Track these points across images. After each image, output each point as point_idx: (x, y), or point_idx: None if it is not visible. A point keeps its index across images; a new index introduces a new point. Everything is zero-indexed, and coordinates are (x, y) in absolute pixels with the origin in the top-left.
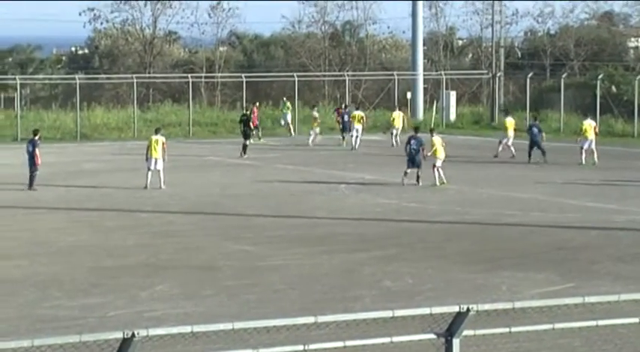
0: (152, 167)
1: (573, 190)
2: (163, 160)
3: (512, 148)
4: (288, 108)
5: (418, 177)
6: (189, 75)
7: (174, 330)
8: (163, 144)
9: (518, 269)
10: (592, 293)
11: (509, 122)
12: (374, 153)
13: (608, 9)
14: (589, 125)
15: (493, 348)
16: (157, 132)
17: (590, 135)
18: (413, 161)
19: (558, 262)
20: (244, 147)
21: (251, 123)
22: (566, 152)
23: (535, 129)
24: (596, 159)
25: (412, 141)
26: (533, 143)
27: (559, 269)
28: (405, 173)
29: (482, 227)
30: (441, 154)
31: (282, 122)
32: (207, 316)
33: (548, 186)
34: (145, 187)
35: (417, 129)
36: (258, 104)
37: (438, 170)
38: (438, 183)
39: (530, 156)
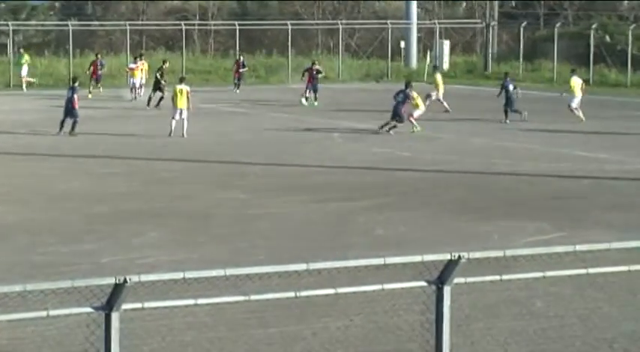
0: (177, 117)
1: (564, 140)
2: (188, 109)
3: (444, 103)
4: (26, 60)
5: (386, 124)
6: (183, 22)
7: (167, 276)
8: (188, 93)
9: (510, 218)
10: (583, 242)
11: (439, 78)
12: (366, 102)
13: None
14: (576, 82)
15: (484, 296)
16: (181, 81)
17: (577, 92)
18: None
19: (550, 211)
20: (151, 98)
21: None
22: (558, 102)
23: (510, 86)
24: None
25: (399, 94)
26: (509, 101)
27: (551, 219)
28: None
29: (475, 176)
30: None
31: (22, 73)
32: (200, 263)
33: (540, 136)
34: (170, 135)
35: (408, 83)
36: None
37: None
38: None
39: (506, 114)
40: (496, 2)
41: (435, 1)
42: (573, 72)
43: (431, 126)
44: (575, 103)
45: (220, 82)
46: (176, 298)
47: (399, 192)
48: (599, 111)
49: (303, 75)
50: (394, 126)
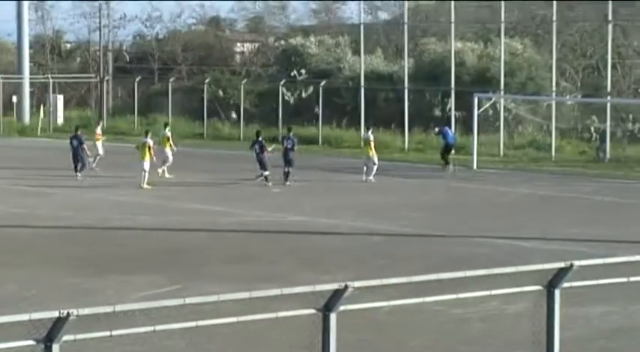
0: None
1: (180, 193)
2: None
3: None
4: None
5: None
6: None
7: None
8: None
9: (126, 273)
10: (198, 294)
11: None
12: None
13: (215, 14)
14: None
15: None
16: None
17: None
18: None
19: (166, 265)
20: None
21: None
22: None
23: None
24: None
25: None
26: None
27: (167, 272)
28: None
29: (91, 231)
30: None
31: None
32: None
33: (154, 190)
34: None
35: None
36: None
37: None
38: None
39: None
40: (110, 57)
41: (49, 56)
42: (368, 129)
43: (48, 181)
44: None
45: None
46: None
47: (12, 249)
48: (214, 164)
49: None
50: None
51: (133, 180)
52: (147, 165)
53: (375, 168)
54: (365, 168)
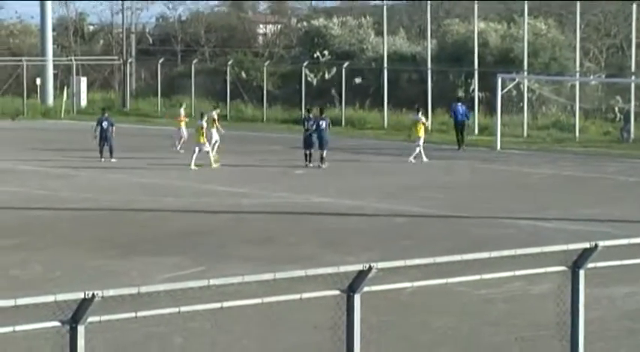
0: None
1: (205, 175)
2: None
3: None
4: None
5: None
6: None
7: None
8: None
9: (150, 254)
10: (221, 276)
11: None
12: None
13: None
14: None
15: (121, 334)
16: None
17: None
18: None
19: (190, 246)
20: None
21: None
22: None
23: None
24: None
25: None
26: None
27: (191, 253)
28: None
29: (114, 213)
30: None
31: None
32: None
33: (178, 171)
34: None
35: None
36: None
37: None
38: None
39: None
40: (133, 39)
41: (72, 38)
42: (418, 111)
43: (72, 163)
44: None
45: None
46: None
47: (36, 231)
48: (237, 146)
49: None
50: None
51: (156, 161)
52: (206, 146)
53: (418, 149)
54: (420, 150)
